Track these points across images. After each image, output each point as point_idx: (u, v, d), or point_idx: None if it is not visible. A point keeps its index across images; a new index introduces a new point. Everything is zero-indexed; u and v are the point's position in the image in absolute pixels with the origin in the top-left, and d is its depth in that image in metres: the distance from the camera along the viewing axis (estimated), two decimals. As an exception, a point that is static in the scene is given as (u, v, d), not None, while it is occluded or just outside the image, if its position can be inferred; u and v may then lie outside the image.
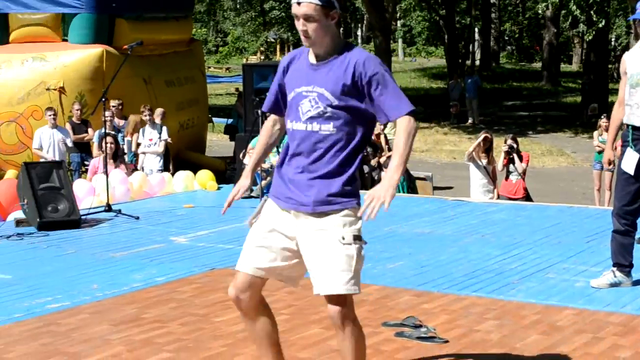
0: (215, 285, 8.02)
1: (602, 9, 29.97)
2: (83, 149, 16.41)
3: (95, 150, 15.89)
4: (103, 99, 12.67)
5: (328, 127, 4.59)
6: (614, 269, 7.77)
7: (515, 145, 14.06)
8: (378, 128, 15.81)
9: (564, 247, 9.54)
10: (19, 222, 11.26)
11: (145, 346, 6.24)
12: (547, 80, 46.75)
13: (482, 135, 14.10)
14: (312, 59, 4.71)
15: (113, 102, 16.62)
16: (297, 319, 6.87)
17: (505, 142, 14.08)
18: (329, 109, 4.59)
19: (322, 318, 6.83)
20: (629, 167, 7.48)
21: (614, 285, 7.72)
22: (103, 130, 15.02)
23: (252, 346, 6.14)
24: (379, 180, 14.85)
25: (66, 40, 17.74)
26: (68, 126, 16.41)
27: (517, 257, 9.11)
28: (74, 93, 16.95)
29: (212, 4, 46.64)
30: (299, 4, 4.56)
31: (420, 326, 6.43)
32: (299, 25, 4.61)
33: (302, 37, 4.65)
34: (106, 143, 14.23)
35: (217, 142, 22.15)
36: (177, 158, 17.64)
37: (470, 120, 32.11)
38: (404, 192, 14.24)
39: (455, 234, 10.45)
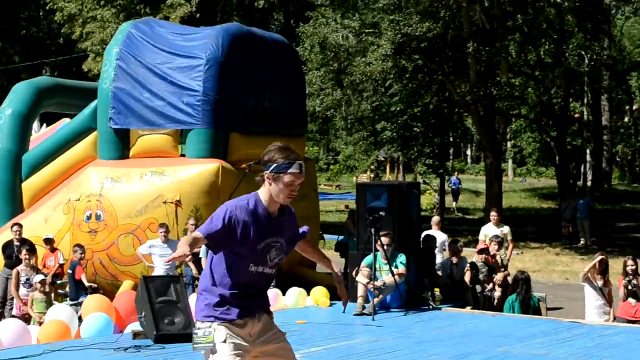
0: (330, 402, 8.00)
1: None
2: (197, 263, 16.59)
3: (204, 265, 16.08)
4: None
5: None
6: None
7: (635, 267, 13.73)
8: (492, 248, 15.70)
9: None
10: (136, 335, 11.46)
11: None
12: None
13: (598, 257, 13.89)
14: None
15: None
16: None
17: (625, 263, 13.82)
18: None
19: None
20: None
21: None
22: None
23: None
24: (496, 299, 14.71)
25: (184, 156, 18.06)
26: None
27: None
28: (190, 207, 17.17)
29: (325, 124, 47.47)
30: (300, 172, 5.37)
31: None
32: (293, 189, 5.38)
33: (288, 198, 5.45)
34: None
35: (327, 259, 22.25)
36: (288, 273, 17.69)
37: (582, 241, 31.65)
38: (517, 313, 14.03)
39: (571, 357, 10.26)
